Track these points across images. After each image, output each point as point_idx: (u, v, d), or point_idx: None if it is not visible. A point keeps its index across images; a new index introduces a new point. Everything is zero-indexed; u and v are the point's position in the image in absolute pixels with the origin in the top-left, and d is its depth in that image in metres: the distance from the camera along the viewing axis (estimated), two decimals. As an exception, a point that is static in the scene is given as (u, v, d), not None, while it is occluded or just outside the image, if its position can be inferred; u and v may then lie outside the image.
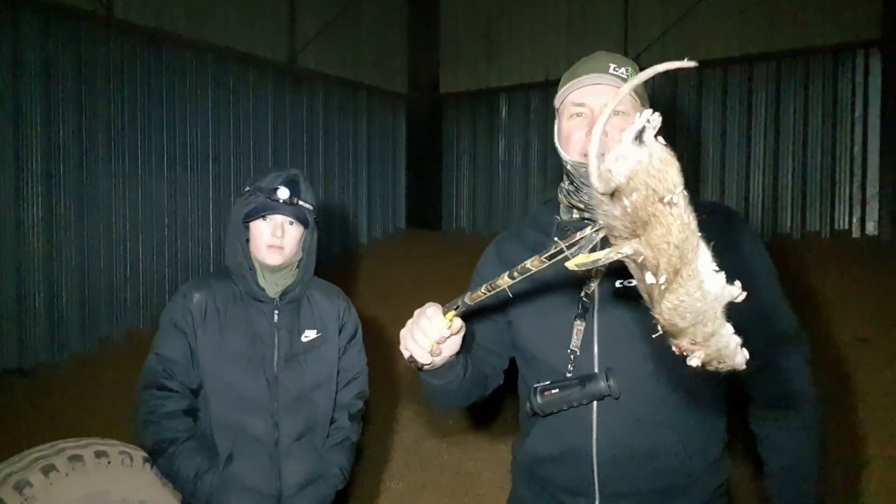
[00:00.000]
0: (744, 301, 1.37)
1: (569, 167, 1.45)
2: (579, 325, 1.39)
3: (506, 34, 8.18)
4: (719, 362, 0.88)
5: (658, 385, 1.37)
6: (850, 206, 6.58)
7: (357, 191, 8.10)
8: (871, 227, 6.49)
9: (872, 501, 3.33)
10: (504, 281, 1.06)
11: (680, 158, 0.88)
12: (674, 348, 0.89)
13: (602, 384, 1.33)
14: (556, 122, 1.50)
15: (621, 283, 1.38)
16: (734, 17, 6.96)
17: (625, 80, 1.40)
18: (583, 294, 1.40)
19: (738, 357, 0.89)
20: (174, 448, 1.94)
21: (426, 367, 1.26)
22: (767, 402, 1.42)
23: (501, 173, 8.29)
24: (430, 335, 1.18)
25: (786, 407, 1.40)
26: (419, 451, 4.10)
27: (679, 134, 7.26)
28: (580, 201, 1.45)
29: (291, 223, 2.03)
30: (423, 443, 4.14)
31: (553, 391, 1.36)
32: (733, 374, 1.43)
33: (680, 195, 0.86)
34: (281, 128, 7.18)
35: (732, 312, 1.38)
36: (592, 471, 1.38)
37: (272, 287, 2.06)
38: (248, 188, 2.05)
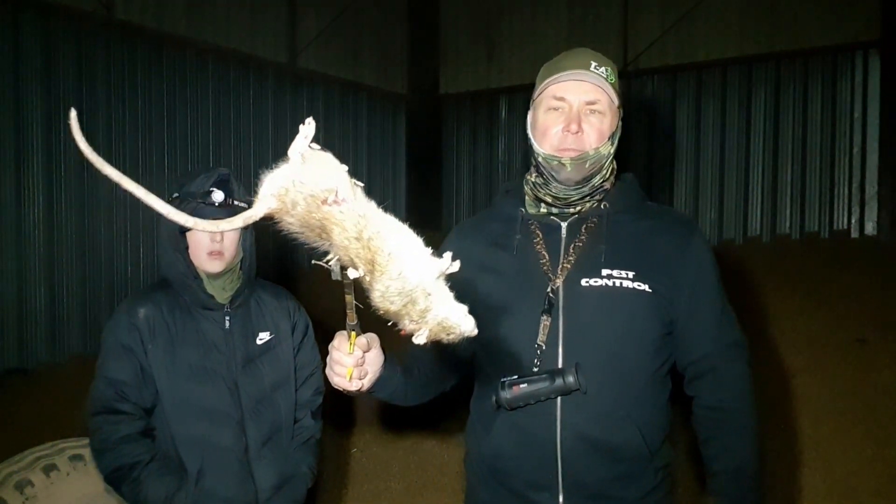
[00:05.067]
0: (695, 311, 1.44)
1: (540, 159, 1.47)
2: (545, 321, 1.42)
3: (506, 34, 8.18)
4: (448, 334, 0.92)
5: (620, 381, 1.42)
6: (849, 207, 6.58)
7: (357, 191, 8.09)
8: (870, 228, 6.49)
9: (872, 502, 3.33)
10: (349, 299, 1.09)
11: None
12: (402, 332, 0.93)
13: (571, 379, 1.36)
14: (531, 112, 1.52)
15: (586, 282, 1.43)
16: (734, 17, 6.96)
17: (604, 79, 1.44)
18: (549, 290, 1.43)
19: (465, 325, 0.93)
20: (137, 472, 1.86)
21: (362, 390, 1.29)
22: (711, 404, 1.47)
23: (501, 173, 8.29)
24: (346, 364, 1.23)
25: (729, 410, 1.46)
26: (419, 451, 4.11)
27: (678, 134, 7.27)
28: (547, 194, 1.48)
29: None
30: (423, 443, 4.14)
31: (521, 385, 1.38)
32: (681, 375, 1.49)
33: (345, 191, 0.90)
34: (281, 128, 7.18)
35: (686, 322, 1.44)
36: (557, 464, 1.41)
37: (220, 293, 2.01)
38: (175, 194, 1.96)
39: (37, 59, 5.29)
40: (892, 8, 6.27)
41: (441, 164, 8.64)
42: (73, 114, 0.90)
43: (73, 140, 0.85)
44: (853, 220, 6.57)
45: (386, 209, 1.01)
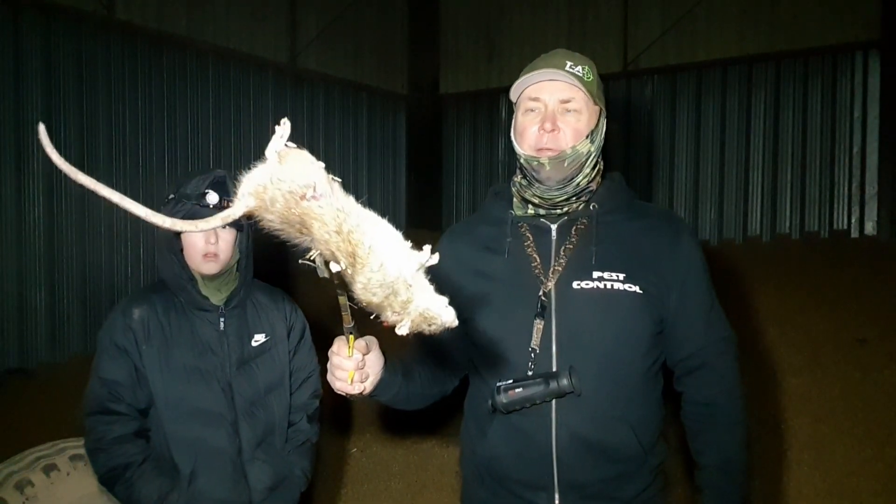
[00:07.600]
0: (684, 309, 1.45)
1: (522, 161, 1.50)
2: (539, 324, 1.42)
3: (506, 34, 8.19)
4: (429, 325, 0.93)
5: (613, 382, 1.43)
6: (849, 207, 6.59)
7: (357, 191, 8.04)
8: (870, 227, 6.50)
9: (873, 501, 3.33)
10: (342, 300, 1.10)
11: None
12: (384, 324, 0.94)
13: (566, 382, 1.37)
14: (514, 115, 1.54)
15: (578, 285, 1.43)
16: (734, 17, 6.96)
17: (580, 78, 1.43)
18: (541, 293, 1.44)
19: (446, 316, 0.93)
20: (130, 473, 1.86)
21: (364, 392, 1.31)
22: (701, 399, 1.49)
23: (501, 173, 8.30)
24: (346, 367, 1.25)
25: (717, 405, 1.48)
26: (419, 451, 4.11)
27: (678, 134, 7.27)
28: (534, 195, 1.50)
29: (224, 227, 1.94)
30: (423, 443, 4.15)
31: (517, 390, 1.39)
32: (671, 372, 1.51)
33: (323, 186, 0.91)
34: (281, 128, 7.19)
35: (677, 320, 1.46)
36: (552, 466, 1.42)
37: (215, 294, 2.01)
38: (171, 195, 1.95)
39: (37, 59, 5.30)
40: (892, 8, 6.28)
41: (441, 164, 8.64)
42: (42, 127, 0.90)
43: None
44: (853, 220, 6.57)
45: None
